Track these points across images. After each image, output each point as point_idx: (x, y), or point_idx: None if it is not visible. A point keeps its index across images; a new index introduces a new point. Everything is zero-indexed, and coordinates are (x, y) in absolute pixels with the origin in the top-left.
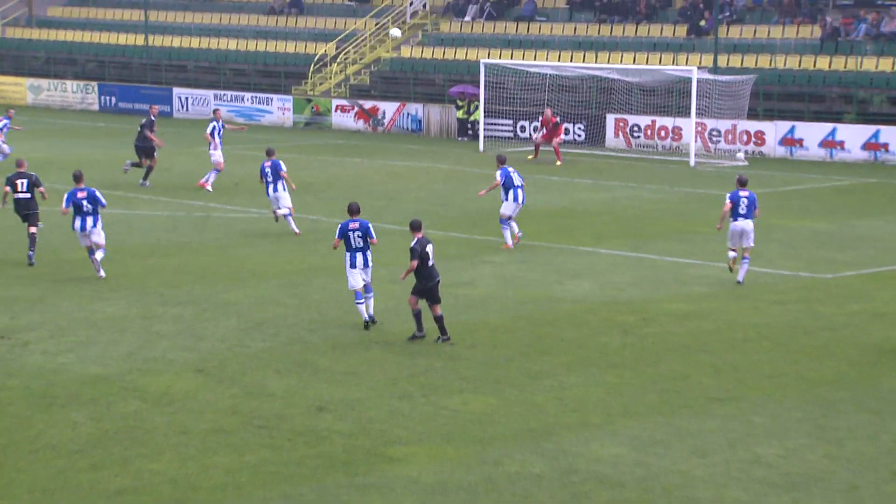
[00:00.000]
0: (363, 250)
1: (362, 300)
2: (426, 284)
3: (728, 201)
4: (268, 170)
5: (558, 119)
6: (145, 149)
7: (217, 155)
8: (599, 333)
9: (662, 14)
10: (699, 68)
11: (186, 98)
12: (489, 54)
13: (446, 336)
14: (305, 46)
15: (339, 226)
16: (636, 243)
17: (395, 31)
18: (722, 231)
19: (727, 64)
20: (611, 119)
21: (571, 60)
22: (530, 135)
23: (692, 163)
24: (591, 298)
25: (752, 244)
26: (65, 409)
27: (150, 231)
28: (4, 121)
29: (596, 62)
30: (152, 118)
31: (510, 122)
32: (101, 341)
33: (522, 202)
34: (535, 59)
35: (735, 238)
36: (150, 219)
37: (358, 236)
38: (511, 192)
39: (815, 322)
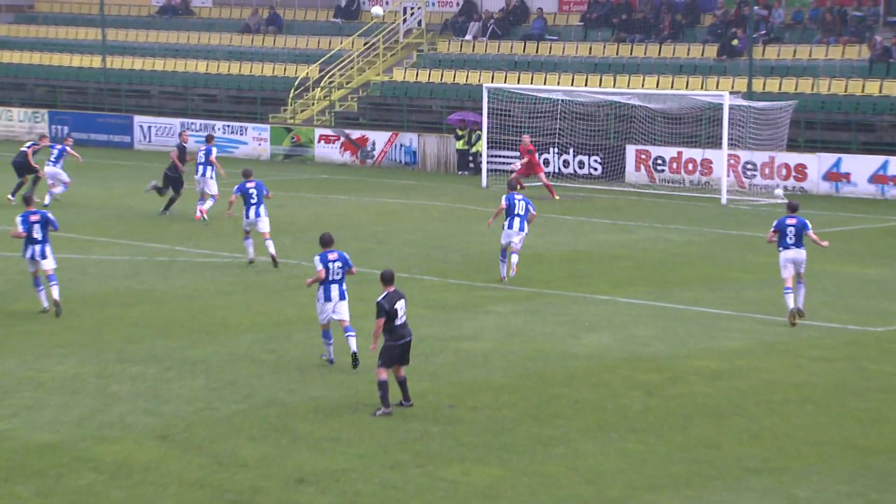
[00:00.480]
0: (339, 283)
1: (331, 340)
2: (394, 346)
3: (772, 230)
4: (252, 191)
5: (536, 149)
6: (174, 178)
7: (213, 184)
8: (619, 394)
9: (689, 33)
10: (731, 93)
11: (149, 127)
12: (493, 77)
13: (409, 402)
14: (285, 69)
15: (318, 257)
16: (661, 291)
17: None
18: (758, 277)
19: (763, 88)
20: (631, 150)
21: (586, 85)
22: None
23: (724, 200)
24: (609, 354)
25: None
26: (8, 483)
27: (107, 278)
28: (59, 147)
29: (614, 86)
30: (184, 144)
31: (516, 154)
32: (49, 404)
33: (521, 230)
34: (544, 83)
35: (788, 269)
36: (106, 264)
37: (338, 267)
38: (508, 220)
39: (865, 382)
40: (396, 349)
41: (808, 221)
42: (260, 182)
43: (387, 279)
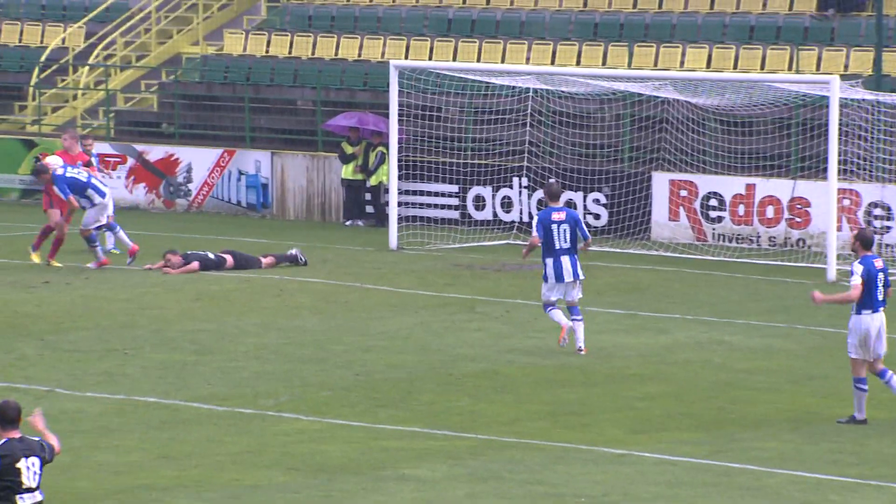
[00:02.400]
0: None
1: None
2: None
3: (859, 279)
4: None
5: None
6: None
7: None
8: None
9: None
10: (844, 78)
11: None
12: (408, 49)
13: None
14: (21, 32)
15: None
16: (717, 441)
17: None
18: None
19: None
20: (662, 182)
21: (579, 63)
22: (495, 214)
23: (832, 274)
24: None
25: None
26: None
27: None
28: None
29: (629, 66)
30: None
31: (455, 188)
32: None
33: (575, 275)
34: (502, 60)
35: (865, 345)
36: None
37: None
38: (550, 262)
39: None
40: None
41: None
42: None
43: None
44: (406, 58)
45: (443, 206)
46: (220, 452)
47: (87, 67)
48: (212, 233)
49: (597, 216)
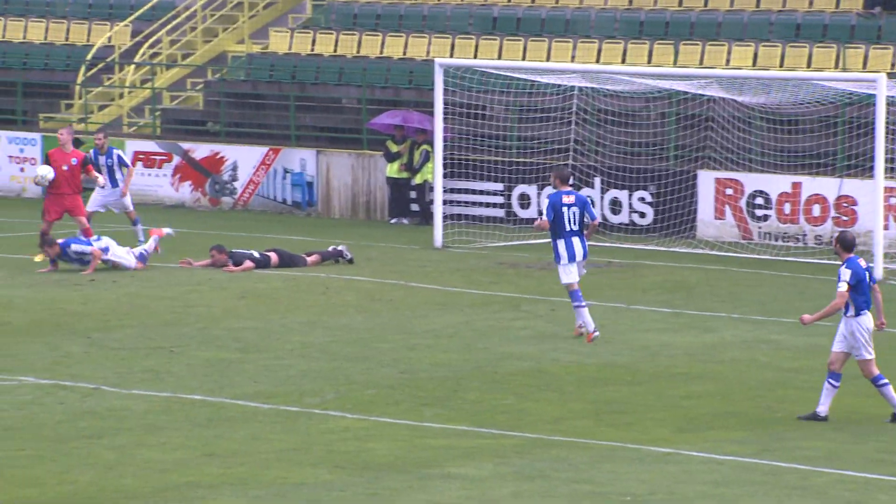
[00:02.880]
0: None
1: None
2: None
3: (845, 286)
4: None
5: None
6: None
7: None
8: None
9: None
10: (891, 77)
11: None
12: (453, 47)
13: None
14: (68, 30)
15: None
16: (764, 439)
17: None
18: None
19: None
20: (708, 180)
21: (624, 61)
22: (540, 213)
23: (878, 272)
24: None
25: None
26: None
27: None
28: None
29: (675, 64)
30: None
31: (500, 186)
32: None
33: (583, 256)
34: (547, 59)
35: (871, 342)
36: None
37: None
38: (562, 243)
39: None
40: None
41: None
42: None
43: None
44: (451, 56)
45: (488, 205)
46: (265, 450)
47: (133, 66)
48: (257, 231)
49: (642, 214)
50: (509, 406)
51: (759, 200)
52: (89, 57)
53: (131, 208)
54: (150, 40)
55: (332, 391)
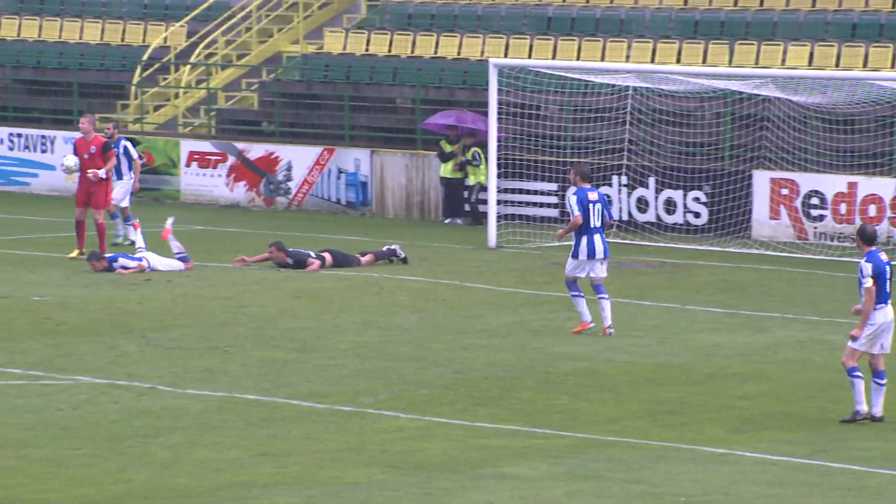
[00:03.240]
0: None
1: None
2: None
3: (870, 280)
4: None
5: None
6: None
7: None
8: None
9: None
10: None
11: None
12: (507, 47)
13: None
14: (124, 31)
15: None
16: (819, 440)
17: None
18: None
19: None
20: (762, 179)
21: (679, 60)
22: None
23: None
24: None
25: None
26: None
27: None
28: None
29: (730, 63)
30: None
31: (554, 186)
32: None
33: (604, 255)
34: (602, 59)
35: (873, 338)
36: None
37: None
38: (585, 240)
39: None
40: None
41: None
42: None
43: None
44: (505, 56)
45: (542, 205)
46: (319, 450)
47: (188, 66)
48: (311, 231)
49: (697, 214)
50: (563, 406)
51: (815, 200)
52: (145, 57)
53: (127, 204)
54: (206, 41)
55: (385, 391)
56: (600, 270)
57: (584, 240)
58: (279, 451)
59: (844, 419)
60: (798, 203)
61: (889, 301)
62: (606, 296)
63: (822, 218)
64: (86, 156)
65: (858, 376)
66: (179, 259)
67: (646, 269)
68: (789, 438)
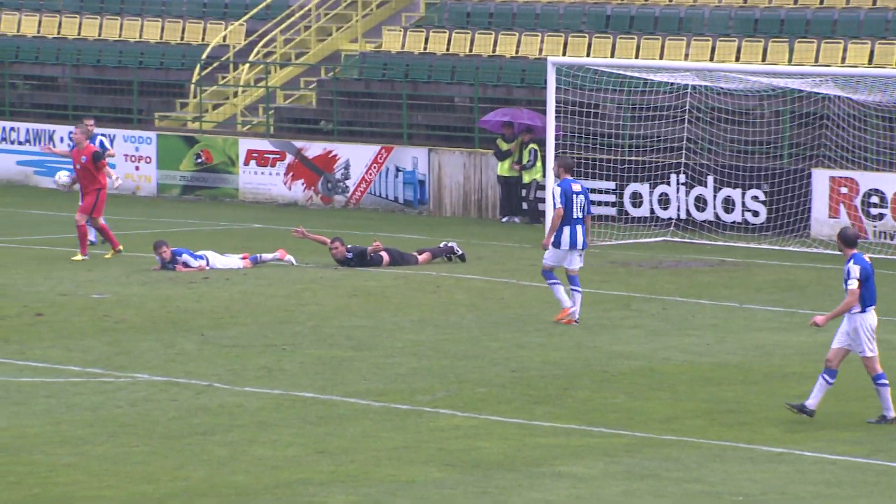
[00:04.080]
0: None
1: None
2: None
3: (856, 282)
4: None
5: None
6: None
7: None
8: None
9: None
10: None
11: None
12: (565, 45)
13: None
14: (183, 30)
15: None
16: (880, 440)
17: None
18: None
19: None
20: (822, 179)
21: (738, 59)
22: (652, 211)
23: None
24: None
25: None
26: None
27: None
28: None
29: (790, 62)
30: None
31: (612, 185)
32: None
33: (583, 246)
34: (660, 57)
35: (874, 339)
36: None
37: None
38: (567, 230)
39: None
40: None
41: None
42: None
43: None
44: (564, 54)
45: (599, 203)
46: (376, 448)
47: (247, 65)
48: (369, 229)
49: (755, 213)
50: (620, 405)
51: (874, 199)
52: (204, 56)
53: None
54: (264, 39)
55: (442, 389)
56: (577, 262)
57: (567, 230)
58: (336, 449)
59: (873, 421)
60: (857, 202)
61: (874, 305)
62: (580, 289)
63: (881, 216)
64: (77, 166)
65: (885, 383)
66: (252, 258)
67: (704, 267)
68: (847, 438)
